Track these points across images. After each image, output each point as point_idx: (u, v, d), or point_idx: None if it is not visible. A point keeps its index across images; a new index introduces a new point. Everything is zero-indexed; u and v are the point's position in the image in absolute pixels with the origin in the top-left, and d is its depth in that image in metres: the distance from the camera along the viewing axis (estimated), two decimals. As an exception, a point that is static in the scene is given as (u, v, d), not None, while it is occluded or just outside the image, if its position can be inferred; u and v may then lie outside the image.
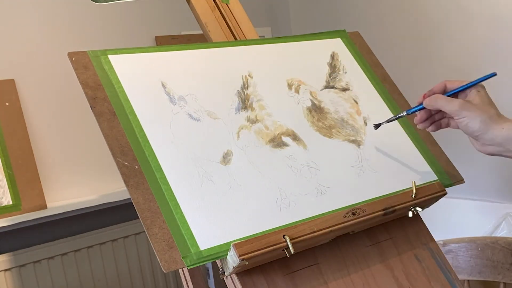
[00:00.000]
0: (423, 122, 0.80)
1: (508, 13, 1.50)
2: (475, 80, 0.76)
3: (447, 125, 0.81)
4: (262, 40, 0.92)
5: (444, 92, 0.78)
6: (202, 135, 0.74)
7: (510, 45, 1.51)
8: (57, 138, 1.62)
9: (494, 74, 0.76)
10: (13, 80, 1.53)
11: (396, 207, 0.78)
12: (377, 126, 0.86)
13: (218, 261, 0.68)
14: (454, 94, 0.78)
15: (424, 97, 0.78)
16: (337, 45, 0.98)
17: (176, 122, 0.74)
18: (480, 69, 1.57)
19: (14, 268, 1.52)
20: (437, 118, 0.81)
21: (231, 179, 0.72)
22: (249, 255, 0.64)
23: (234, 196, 0.70)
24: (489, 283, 1.28)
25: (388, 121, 0.86)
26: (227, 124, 0.77)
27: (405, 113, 0.83)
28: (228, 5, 1.00)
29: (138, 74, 0.77)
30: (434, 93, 0.78)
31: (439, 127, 0.81)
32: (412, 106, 0.97)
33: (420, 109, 0.80)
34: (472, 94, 0.75)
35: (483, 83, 0.77)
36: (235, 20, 0.99)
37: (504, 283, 1.16)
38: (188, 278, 0.84)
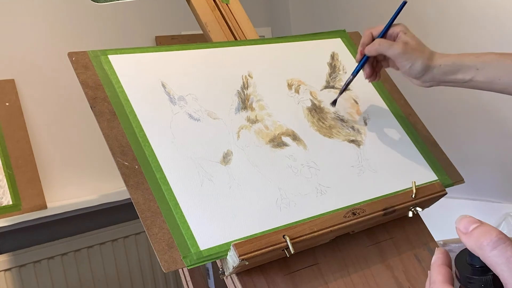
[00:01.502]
0: (372, 75, 0.85)
1: (508, 13, 1.50)
2: (393, 16, 0.81)
3: (388, 66, 0.85)
4: (262, 40, 0.92)
5: (372, 39, 0.82)
6: (202, 135, 0.74)
7: (510, 45, 1.51)
8: (57, 138, 1.62)
9: (405, 2, 0.82)
10: (13, 80, 1.53)
11: (396, 207, 0.78)
12: (334, 102, 0.87)
13: (218, 261, 0.68)
14: (384, 36, 0.82)
15: (361, 52, 0.83)
16: (337, 45, 0.98)
17: (176, 122, 0.74)
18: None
19: (14, 268, 1.52)
20: (379, 68, 0.86)
21: (231, 179, 0.72)
22: (249, 255, 0.64)
23: (234, 196, 0.70)
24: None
25: (341, 91, 0.87)
26: (227, 124, 0.77)
27: (352, 76, 0.86)
28: (228, 5, 1.00)
29: (138, 74, 0.77)
30: (366, 44, 0.82)
31: (380, 70, 0.86)
32: (412, 106, 0.97)
33: (364, 62, 0.84)
34: (403, 36, 0.80)
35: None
36: (235, 20, 0.99)
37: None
38: (188, 278, 0.84)
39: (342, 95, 0.90)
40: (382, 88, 0.96)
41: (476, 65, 0.77)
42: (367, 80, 0.95)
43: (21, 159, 1.49)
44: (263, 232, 0.68)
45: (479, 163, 1.63)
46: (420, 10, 1.71)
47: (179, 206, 0.67)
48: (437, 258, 0.42)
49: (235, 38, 0.97)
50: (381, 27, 0.82)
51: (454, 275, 0.40)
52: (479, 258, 0.35)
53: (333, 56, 0.96)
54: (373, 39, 0.82)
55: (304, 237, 0.68)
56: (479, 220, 0.37)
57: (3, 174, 1.44)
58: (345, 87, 0.87)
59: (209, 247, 0.65)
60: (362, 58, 0.83)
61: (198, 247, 0.64)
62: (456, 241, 1.21)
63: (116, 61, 0.77)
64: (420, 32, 1.73)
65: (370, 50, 0.81)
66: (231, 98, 0.81)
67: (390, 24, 0.81)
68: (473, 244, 0.36)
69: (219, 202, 0.69)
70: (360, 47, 0.83)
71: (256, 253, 0.64)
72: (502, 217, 1.57)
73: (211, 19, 0.97)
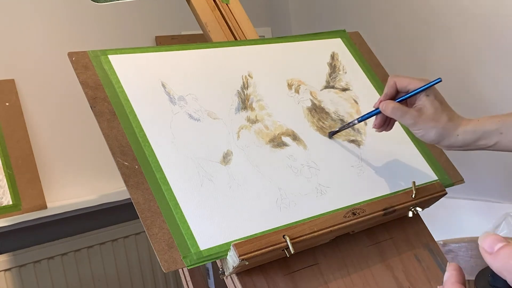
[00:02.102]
0: (381, 126, 0.80)
1: (508, 13, 1.50)
2: (422, 87, 0.75)
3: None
4: (262, 40, 0.92)
5: (396, 90, 0.77)
6: (202, 135, 0.74)
7: (510, 45, 1.51)
8: (57, 138, 1.62)
9: (439, 80, 0.75)
10: (13, 80, 1.53)
11: (396, 207, 0.78)
12: (331, 134, 0.84)
13: (218, 261, 0.68)
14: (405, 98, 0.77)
15: (381, 102, 0.78)
16: (337, 45, 0.98)
17: (176, 122, 0.74)
18: (481, 69, 1.57)
19: (14, 268, 1.52)
20: (393, 120, 0.81)
21: (231, 179, 0.72)
22: (249, 255, 0.64)
23: (234, 196, 0.70)
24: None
25: (341, 129, 0.84)
26: (227, 124, 0.77)
27: (357, 121, 0.82)
28: (228, 5, 1.00)
29: (138, 74, 0.77)
30: (388, 97, 0.77)
31: (393, 125, 0.81)
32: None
33: (376, 114, 0.79)
34: (423, 100, 0.75)
35: None
36: (235, 20, 0.99)
37: (504, 283, 1.16)
38: (188, 278, 0.84)
39: (342, 95, 0.90)
40: (382, 88, 0.96)
41: (499, 129, 0.73)
42: (370, 83, 0.95)
43: (21, 159, 1.49)
44: (263, 232, 0.68)
45: (479, 163, 1.63)
46: (420, 8, 1.71)
47: (179, 206, 0.67)
48: (450, 276, 0.39)
49: (235, 38, 0.97)
50: (405, 80, 0.76)
51: None
52: (505, 281, 0.33)
53: (333, 56, 0.96)
54: (396, 90, 0.77)
55: (304, 237, 0.68)
56: (504, 239, 0.34)
57: (3, 174, 1.44)
58: (347, 127, 0.84)
59: (209, 247, 0.65)
60: (376, 109, 0.79)
61: (198, 247, 0.64)
62: (456, 241, 1.21)
63: (116, 61, 0.77)
64: (420, 32, 1.73)
65: (384, 110, 0.77)
66: (231, 98, 0.81)
67: (414, 94, 0.76)
68: (499, 266, 0.33)
69: (219, 202, 0.69)
70: (382, 97, 0.78)
71: (256, 253, 0.64)
72: (502, 217, 1.56)
73: (211, 19, 0.97)
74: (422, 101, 0.75)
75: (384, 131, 0.82)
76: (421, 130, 0.75)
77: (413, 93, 0.75)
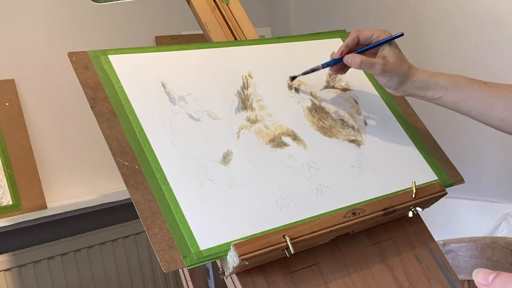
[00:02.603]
0: (338, 70, 0.88)
1: (508, 12, 1.50)
2: (383, 40, 0.82)
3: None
4: (262, 40, 0.92)
5: (358, 43, 0.84)
6: (202, 135, 0.74)
7: (509, 45, 1.51)
8: (57, 138, 1.62)
9: (401, 35, 0.82)
10: (13, 80, 1.53)
11: (396, 207, 0.78)
12: (292, 78, 0.88)
13: (218, 261, 0.68)
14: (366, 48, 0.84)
15: (342, 53, 0.84)
16: (337, 45, 0.98)
17: (176, 122, 0.74)
18: (481, 68, 1.57)
19: (14, 268, 1.52)
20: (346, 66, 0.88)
21: (231, 179, 0.72)
22: (249, 255, 0.64)
23: (234, 196, 0.70)
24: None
25: (304, 73, 0.88)
26: (227, 124, 0.77)
27: (321, 66, 0.87)
28: (228, 5, 1.00)
29: (138, 74, 0.77)
30: (350, 49, 0.84)
31: (347, 70, 0.88)
32: (412, 106, 0.97)
33: (337, 62, 0.86)
34: (386, 50, 0.82)
35: None
36: (235, 20, 0.99)
37: (504, 283, 1.16)
38: (188, 278, 0.84)
39: (342, 95, 0.90)
40: (382, 88, 0.96)
41: (446, 85, 0.81)
42: (370, 83, 0.95)
43: (21, 159, 1.49)
44: (263, 232, 0.68)
45: (479, 163, 1.63)
46: (420, 9, 1.71)
47: (179, 206, 0.67)
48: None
49: (235, 38, 0.97)
50: (368, 32, 0.83)
51: None
52: None
53: (333, 56, 0.96)
54: (358, 44, 0.84)
55: (304, 237, 0.68)
56: (494, 271, 0.38)
57: (3, 174, 1.44)
58: (310, 72, 0.88)
59: (209, 247, 0.65)
60: (340, 57, 0.84)
61: (198, 247, 0.64)
62: (456, 241, 1.21)
63: (116, 61, 0.76)
64: (419, 30, 1.72)
65: (351, 63, 0.83)
66: (231, 98, 0.81)
67: (375, 46, 0.83)
68: None
69: (219, 202, 0.69)
70: (343, 47, 0.84)
71: (256, 253, 0.64)
72: (502, 217, 1.57)
73: (211, 19, 0.97)
74: (386, 50, 0.82)
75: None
76: (386, 78, 0.82)
77: (379, 43, 0.82)
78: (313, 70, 0.88)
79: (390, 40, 0.82)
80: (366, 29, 0.84)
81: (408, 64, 0.83)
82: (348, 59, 0.83)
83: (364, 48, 0.84)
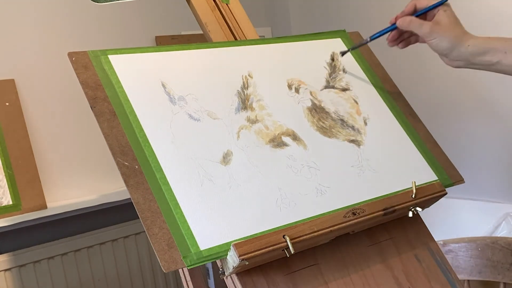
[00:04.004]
0: (394, 41, 0.90)
1: (508, 11, 1.50)
2: (436, 4, 0.83)
3: (416, 41, 0.90)
4: (262, 40, 0.92)
5: (415, 11, 0.86)
6: (202, 135, 0.74)
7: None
8: (57, 138, 1.62)
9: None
10: (13, 80, 1.53)
11: (396, 207, 0.78)
12: (343, 53, 0.93)
13: (218, 261, 0.68)
14: (423, 14, 0.85)
15: (397, 18, 0.86)
16: (337, 45, 0.98)
17: (176, 122, 0.74)
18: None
19: (14, 268, 1.52)
20: (406, 37, 0.90)
21: (231, 179, 0.72)
22: (249, 255, 0.64)
23: (234, 196, 0.70)
24: (489, 283, 1.28)
25: (353, 47, 0.93)
26: (227, 124, 0.77)
27: (369, 39, 0.91)
28: (228, 5, 1.00)
29: (138, 74, 0.77)
30: (406, 14, 0.85)
31: (408, 44, 0.90)
32: (412, 106, 0.97)
33: (392, 29, 0.88)
34: (440, 14, 0.83)
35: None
36: (235, 20, 0.99)
37: (504, 283, 1.16)
38: (188, 278, 0.84)
39: (342, 95, 0.90)
40: (382, 88, 0.96)
41: (505, 48, 0.79)
42: (370, 83, 0.95)
43: (21, 159, 1.49)
44: (263, 232, 0.68)
45: (479, 163, 1.63)
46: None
47: (179, 206, 0.67)
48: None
49: (235, 38, 0.97)
50: (425, 1, 0.84)
51: None
52: None
53: (333, 56, 0.96)
54: (414, 11, 0.85)
55: (304, 237, 0.68)
56: None
57: (3, 174, 1.44)
58: (360, 45, 0.94)
59: (209, 247, 0.65)
60: (392, 24, 0.87)
61: (198, 247, 0.64)
62: (456, 241, 1.21)
63: (116, 61, 0.77)
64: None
65: (402, 25, 0.85)
66: (231, 98, 0.81)
67: (436, 5, 0.83)
68: None
69: (219, 202, 0.69)
70: (400, 14, 0.86)
71: (256, 253, 0.64)
72: (502, 217, 1.57)
73: (211, 19, 0.97)
74: (440, 14, 0.82)
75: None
76: (436, 39, 0.82)
77: (431, 6, 0.83)
78: (361, 44, 0.93)
79: (440, 4, 0.82)
80: None
81: (462, 29, 0.82)
82: (400, 20, 0.85)
83: (418, 12, 0.85)
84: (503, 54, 0.79)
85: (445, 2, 0.83)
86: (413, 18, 0.84)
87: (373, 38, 0.90)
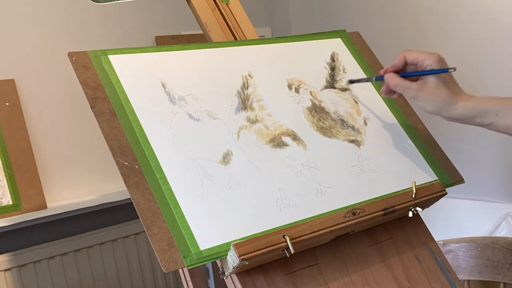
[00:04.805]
0: (388, 93, 0.86)
1: (507, 11, 1.50)
2: (430, 71, 0.79)
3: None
4: (262, 40, 0.92)
5: (405, 64, 0.82)
6: (202, 135, 0.74)
7: (509, 44, 1.51)
8: (57, 138, 1.62)
9: (453, 69, 0.79)
10: (13, 80, 1.53)
11: (396, 207, 0.78)
12: (351, 82, 0.92)
13: (218, 261, 0.68)
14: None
15: (386, 72, 0.84)
16: (337, 45, 0.98)
17: (176, 122, 0.74)
18: (480, 68, 1.57)
19: (14, 268, 1.52)
20: None
21: (231, 179, 0.72)
22: (249, 255, 0.64)
23: (234, 196, 0.70)
24: (489, 283, 1.28)
25: (361, 80, 0.92)
26: (227, 124, 0.77)
27: (374, 79, 0.90)
28: (228, 5, 1.00)
29: (138, 74, 0.77)
30: (397, 69, 0.83)
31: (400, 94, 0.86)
32: (412, 106, 0.97)
33: (381, 80, 0.86)
34: (429, 76, 0.79)
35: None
36: (235, 20, 0.99)
37: (504, 283, 1.16)
38: (188, 278, 0.84)
39: (342, 95, 0.90)
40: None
41: (496, 110, 0.77)
42: (368, 84, 0.96)
43: (21, 159, 1.49)
44: (263, 232, 0.68)
45: (479, 163, 1.63)
46: (419, 8, 1.71)
47: (179, 206, 0.67)
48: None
49: (235, 38, 0.97)
50: (414, 54, 0.80)
51: None
52: None
53: (333, 56, 0.96)
54: (405, 63, 0.82)
55: (304, 237, 0.68)
56: None
57: (3, 174, 1.44)
58: (365, 81, 0.93)
59: (209, 247, 0.65)
60: (381, 76, 0.85)
61: (198, 247, 0.64)
62: (456, 241, 1.21)
63: (116, 61, 0.77)
64: (418, 30, 1.72)
65: (388, 83, 0.82)
66: (231, 98, 0.81)
67: (422, 74, 0.80)
68: None
69: (219, 202, 0.69)
70: (389, 67, 0.83)
71: (256, 253, 0.64)
72: (502, 217, 1.57)
73: (211, 19, 0.97)
74: (429, 76, 0.79)
75: (384, 132, 0.87)
76: (421, 102, 0.79)
77: (421, 73, 0.80)
78: (367, 80, 0.93)
79: (441, 71, 0.78)
80: (413, 50, 0.81)
81: (450, 91, 0.78)
82: (387, 77, 0.82)
83: (408, 73, 0.82)
84: (495, 116, 0.77)
85: (433, 74, 0.79)
86: (398, 81, 0.80)
87: (378, 79, 0.87)
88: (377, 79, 0.88)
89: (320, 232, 0.70)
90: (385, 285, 0.77)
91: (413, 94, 0.79)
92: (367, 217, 0.75)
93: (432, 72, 0.79)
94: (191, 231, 0.65)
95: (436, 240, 0.88)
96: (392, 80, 0.81)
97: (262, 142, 0.78)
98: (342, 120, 0.87)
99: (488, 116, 0.77)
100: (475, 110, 0.78)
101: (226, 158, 0.74)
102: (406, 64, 0.82)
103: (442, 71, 0.78)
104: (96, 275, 1.68)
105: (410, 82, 0.80)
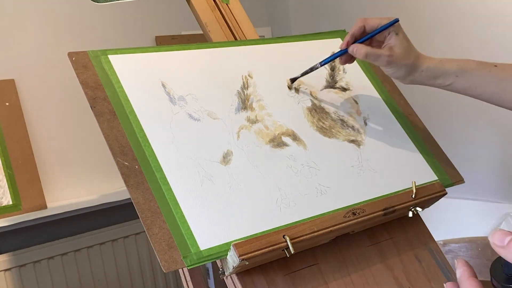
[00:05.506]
0: (347, 61, 0.85)
1: (507, 11, 1.50)
2: (385, 25, 0.80)
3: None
4: (262, 40, 0.92)
5: (364, 33, 0.82)
6: (202, 135, 0.74)
7: (508, 44, 1.51)
8: (57, 138, 1.62)
9: (397, 20, 0.80)
10: (13, 80, 1.53)
11: (396, 207, 0.78)
12: (293, 80, 0.87)
13: (218, 261, 0.68)
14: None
15: (348, 44, 0.82)
16: (337, 45, 0.98)
17: (176, 122, 0.74)
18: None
19: (14, 268, 1.52)
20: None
21: (231, 179, 0.72)
22: (249, 255, 0.64)
23: (234, 196, 0.70)
24: (489, 283, 1.28)
25: (303, 74, 0.87)
26: (227, 124, 0.77)
27: (319, 64, 0.86)
28: (228, 5, 1.00)
29: (138, 74, 0.77)
30: (356, 38, 0.81)
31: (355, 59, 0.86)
32: (412, 106, 0.97)
33: (342, 54, 0.83)
34: (393, 39, 0.80)
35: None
36: (235, 20, 0.99)
37: (504, 283, 1.16)
38: (188, 278, 0.84)
39: (342, 95, 0.90)
40: (382, 88, 0.96)
41: (456, 72, 0.80)
42: (370, 83, 0.95)
43: (21, 159, 1.49)
44: (263, 232, 0.68)
45: (479, 163, 1.63)
46: (417, 8, 1.71)
47: (179, 206, 0.67)
48: (463, 271, 0.42)
49: (235, 38, 0.97)
50: (375, 20, 0.81)
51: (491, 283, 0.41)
52: None
53: (339, 46, 0.96)
54: (364, 32, 0.81)
55: (304, 237, 0.68)
56: (510, 232, 0.38)
57: (3, 174, 1.44)
58: (309, 72, 0.87)
59: (209, 247, 0.65)
60: (343, 50, 0.83)
61: (198, 247, 0.64)
62: (456, 241, 1.21)
63: (116, 61, 0.77)
64: (418, 31, 1.72)
65: (356, 54, 0.81)
66: (231, 98, 0.81)
67: (379, 32, 0.80)
68: None
69: (219, 202, 0.69)
70: (349, 37, 0.82)
71: (256, 253, 0.64)
72: (502, 217, 1.57)
73: (211, 19, 0.97)
74: (392, 39, 0.80)
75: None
76: (393, 69, 0.81)
77: (381, 29, 0.80)
78: (312, 69, 0.87)
79: (388, 27, 0.80)
80: (372, 18, 0.82)
81: (415, 53, 0.81)
82: (353, 49, 0.81)
83: (368, 35, 0.81)
84: (455, 77, 0.81)
85: (395, 23, 0.80)
86: (369, 50, 0.79)
87: (323, 63, 0.85)
88: (323, 63, 0.85)
89: (320, 232, 0.70)
90: (385, 285, 0.77)
91: (385, 62, 0.80)
92: (367, 217, 0.75)
93: (381, 29, 0.80)
94: (191, 231, 0.65)
95: (436, 240, 0.88)
96: (362, 50, 0.80)
97: (262, 142, 0.78)
98: (342, 120, 0.87)
99: (449, 77, 0.81)
100: (437, 71, 0.81)
101: (226, 158, 0.74)
102: (364, 32, 0.82)
103: (390, 23, 0.80)
104: (96, 275, 1.68)
105: (379, 49, 0.80)
